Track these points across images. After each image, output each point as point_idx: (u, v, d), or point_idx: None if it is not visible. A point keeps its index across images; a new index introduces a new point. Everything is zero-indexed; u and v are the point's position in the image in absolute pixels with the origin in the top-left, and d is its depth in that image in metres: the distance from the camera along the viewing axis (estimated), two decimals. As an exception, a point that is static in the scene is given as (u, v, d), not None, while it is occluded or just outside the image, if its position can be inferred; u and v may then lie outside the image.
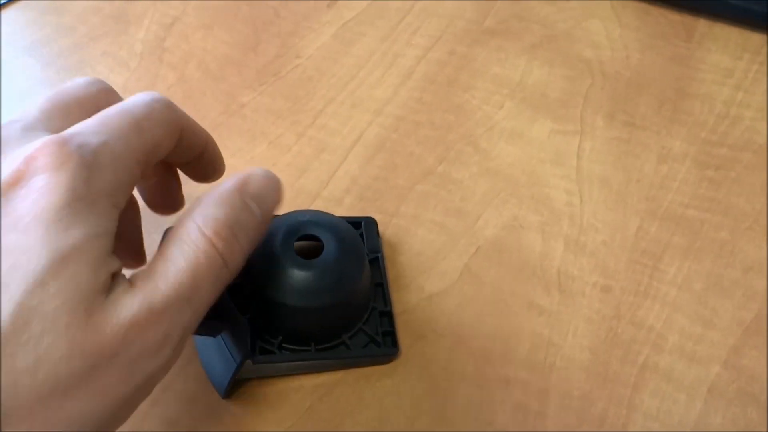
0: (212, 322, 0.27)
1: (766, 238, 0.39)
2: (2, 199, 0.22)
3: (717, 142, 0.44)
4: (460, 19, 0.52)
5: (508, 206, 0.41)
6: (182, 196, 0.34)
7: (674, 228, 0.40)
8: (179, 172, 0.33)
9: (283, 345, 0.33)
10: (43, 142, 0.23)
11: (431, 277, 0.38)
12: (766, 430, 0.32)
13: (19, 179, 0.22)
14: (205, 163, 0.31)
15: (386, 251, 0.38)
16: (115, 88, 0.48)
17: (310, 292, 0.32)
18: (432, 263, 0.38)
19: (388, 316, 0.35)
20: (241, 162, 0.43)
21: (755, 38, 0.52)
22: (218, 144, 0.45)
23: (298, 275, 0.32)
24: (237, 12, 0.52)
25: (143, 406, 0.25)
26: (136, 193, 0.36)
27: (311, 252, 0.33)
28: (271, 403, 0.33)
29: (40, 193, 0.22)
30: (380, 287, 0.36)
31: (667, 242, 0.39)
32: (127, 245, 0.32)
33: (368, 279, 0.35)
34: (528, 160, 0.43)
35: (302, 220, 0.34)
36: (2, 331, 0.20)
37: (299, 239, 0.34)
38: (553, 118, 0.46)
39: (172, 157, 0.29)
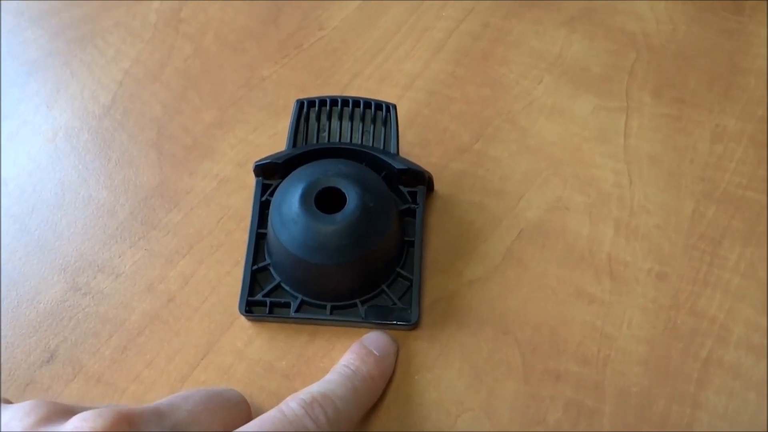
0: None
1: (833, 222, 0.36)
2: None
3: (774, 120, 0.41)
4: (494, -10, 0.49)
5: (552, 186, 0.38)
6: None
7: (733, 211, 0.37)
8: None
9: (304, 300, 0.32)
10: None
11: (471, 261, 0.35)
12: None
13: None
14: None
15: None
16: (128, 60, 0.46)
17: (327, 249, 0.30)
18: (471, 246, 0.35)
19: (411, 281, 0.33)
20: (263, 137, 0.40)
21: (809, 12, 0.48)
22: (238, 119, 0.42)
23: (315, 230, 0.30)
24: (256, -18, 0.49)
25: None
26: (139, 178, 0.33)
27: (338, 204, 0.31)
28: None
29: None
30: (412, 246, 0.34)
31: (726, 226, 0.36)
32: None
33: (396, 238, 0.33)
34: (571, 137, 0.40)
35: (329, 170, 0.32)
36: None
37: (323, 191, 0.31)
38: (597, 93, 0.43)
39: None
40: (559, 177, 0.38)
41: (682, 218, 0.36)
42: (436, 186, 0.37)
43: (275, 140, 0.40)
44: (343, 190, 0.31)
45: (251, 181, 0.37)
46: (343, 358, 0.30)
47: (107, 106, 0.42)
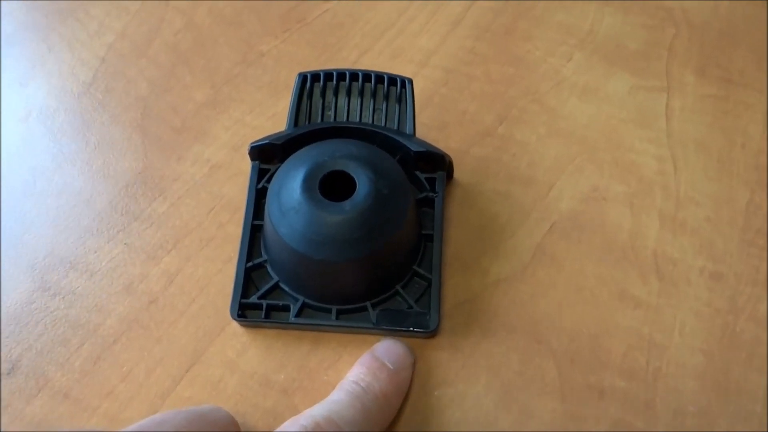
0: None
1: None
2: None
3: (833, 101, 0.37)
4: (515, -39, 0.45)
5: (586, 174, 0.34)
6: None
7: (794, 203, 0.32)
8: None
9: (306, 302, 0.29)
10: None
11: (498, 258, 0.31)
12: None
13: None
14: None
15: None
16: (112, 34, 0.42)
17: (334, 243, 0.27)
18: (497, 241, 0.31)
19: (429, 282, 0.29)
20: (261, 119, 0.37)
21: None
22: (234, 99, 0.38)
23: (319, 220, 0.26)
24: (255, -49, 0.45)
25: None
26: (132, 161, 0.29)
27: (346, 190, 0.27)
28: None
29: None
30: (430, 241, 0.30)
31: (787, 219, 0.32)
32: None
33: (412, 231, 0.29)
34: (606, 120, 0.36)
35: (336, 152, 0.28)
36: None
37: (328, 175, 0.27)
38: (633, 72, 0.38)
39: None
40: (594, 163, 0.34)
41: (736, 210, 0.32)
42: (456, 173, 0.34)
43: (274, 121, 0.36)
44: (353, 174, 0.27)
45: (247, 167, 0.33)
46: (351, 372, 0.26)
47: (87, 84, 0.38)
